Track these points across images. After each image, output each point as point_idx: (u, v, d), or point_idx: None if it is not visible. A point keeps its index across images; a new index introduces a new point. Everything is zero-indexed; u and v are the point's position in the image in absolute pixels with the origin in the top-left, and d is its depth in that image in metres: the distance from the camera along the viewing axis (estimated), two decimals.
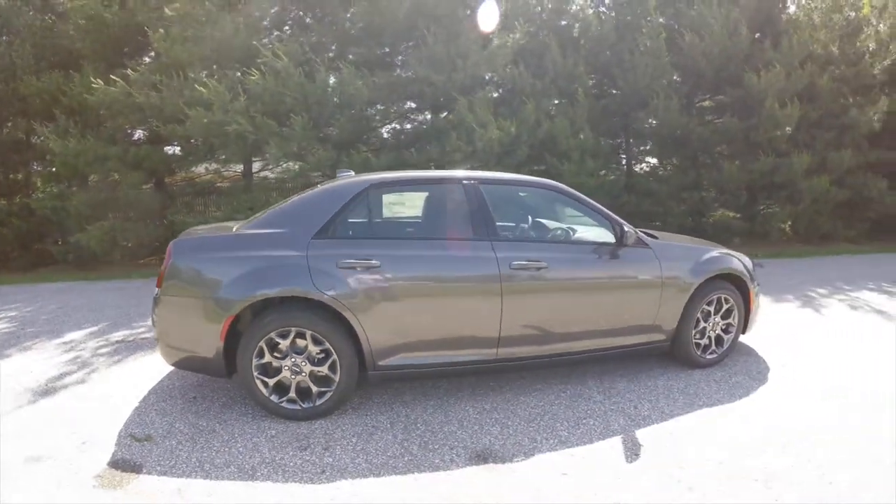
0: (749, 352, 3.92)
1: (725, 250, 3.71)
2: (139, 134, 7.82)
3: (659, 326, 3.36)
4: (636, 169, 9.88)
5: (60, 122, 6.60)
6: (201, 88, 5.82)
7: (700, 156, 9.18)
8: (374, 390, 3.13)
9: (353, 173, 3.40)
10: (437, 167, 7.20)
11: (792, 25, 8.21)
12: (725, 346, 3.64)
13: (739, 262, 3.66)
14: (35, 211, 6.73)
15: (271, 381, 2.74)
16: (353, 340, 2.70)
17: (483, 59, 6.89)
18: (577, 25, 8.61)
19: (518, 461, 2.41)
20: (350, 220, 2.89)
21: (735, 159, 8.60)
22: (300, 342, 2.70)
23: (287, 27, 8.03)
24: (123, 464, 2.45)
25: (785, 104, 7.77)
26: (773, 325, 4.57)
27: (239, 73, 6.22)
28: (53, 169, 6.85)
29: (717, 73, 8.42)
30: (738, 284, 3.59)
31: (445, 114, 7.62)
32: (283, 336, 2.69)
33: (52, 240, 7.25)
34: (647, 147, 9.50)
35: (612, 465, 2.38)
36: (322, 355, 2.71)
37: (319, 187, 3.05)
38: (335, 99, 6.42)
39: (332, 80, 6.43)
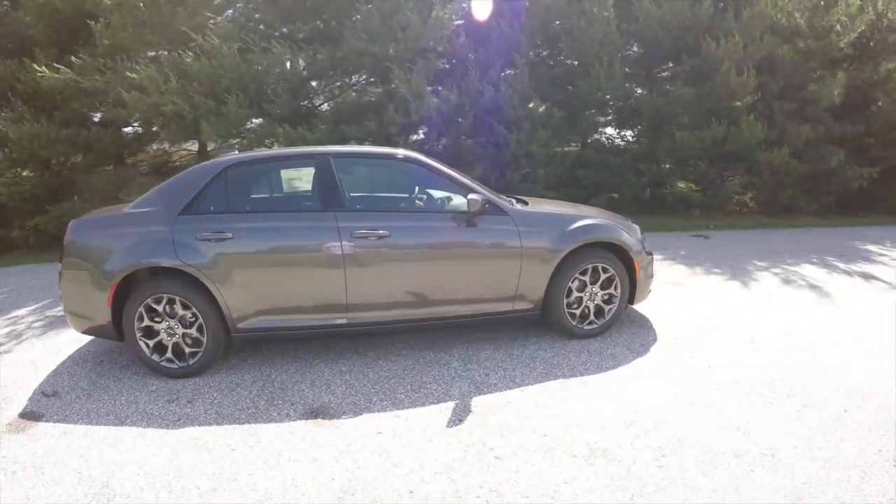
0: (644, 323, 4.00)
1: (604, 219, 3.76)
2: (100, 117, 8.29)
3: (523, 295, 3.48)
4: (593, 141, 10.10)
5: (16, 108, 7.13)
6: (133, 75, 6.25)
7: (658, 127, 9.39)
8: (249, 353, 3.64)
9: (236, 152, 3.83)
10: (375, 141, 7.61)
11: None
12: (607, 318, 3.71)
13: (619, 230, 3.69)
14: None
15: (152, 342, 3.29)
16: (216, 305, 3.21)
17: (422, 32, 7.17)
18: None
19: (345, 418, 2.75)
20: (210, 198, 3.31)
21: (693, 130, 8.82)
22: (173, 308, 3.21)
23: (239, 5, 8.39)
24: (30, 414, 3.04)
25: (742, 73, 7.93)
26: (688, 297, 4.70)
27: (178, 54, 6.60)
28: (14, 156, 7.35)
29: (676, 42, 8.60)
30: (620, 254, 3.66)
31: (381, 87, 7.96)
32: (158, 302, 3.22)
33: (17, 224, 7.78)
34: (606, 118, 9.70)
35: (431, 429, 2.60)
36: (193, 319, 3.23)
37: (188, 169, 3.51)
38: (270, 76, 6.79)
39: (265, 58, 6.78)
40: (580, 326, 3.67)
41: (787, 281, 5.18)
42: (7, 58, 7.13)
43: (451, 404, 2.86)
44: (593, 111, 9.43)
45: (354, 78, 8.65)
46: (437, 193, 3.67)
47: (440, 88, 7.83)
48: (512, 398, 2.91)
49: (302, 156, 3.50)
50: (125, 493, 2.24)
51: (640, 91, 9.75)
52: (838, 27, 8.51)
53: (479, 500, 2.07)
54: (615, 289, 3.69)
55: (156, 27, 6.65)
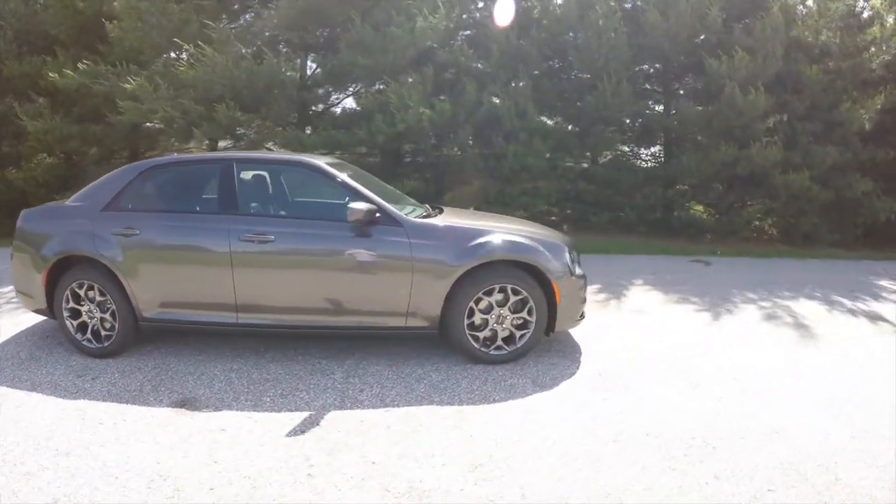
0: (571, 354, 3.91)
1: (520, 235, 3.66)
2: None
3: (417, 312, 3.50)
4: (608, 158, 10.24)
5: (36, 104, 8.22)
6: (125, 85, 7.13)
7: (672, 147, 9.45)
8: (167, 342, 4.12)
9: (175, 155, 4.42)
10: (369, 148, 8.16)
11: (782, 11, 8.22)
12: (519, 344, 3.61)
13: (534, 248, 3.56)
14: (12, 183, 8.44)
15: (76, 323, 3.90)
16: (125, 295, 3.76)
17: (408, 42, 7.68)
18: (538, 6, 9.09)
19: (204, 412, 3.07)
20: (128, 196, 3.85)
21: (708, 150, 8.83)
22: (92, 294, 3.83)
23: (250, 14, 9.26)
24: None
25: (750, 92, 7.93)
26: (644, 327, 4.56)
27: (174, 61, 7.44)
28: (33, 146, 8.48)
29: (688, 56, 8.67)
30: (538, 275, 3.55)
31: (366, 94, 8.52)
32: (81, 287, 3.83)
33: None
34: (619, 135, 9.83)
35: (269, 436, 2.80)
36: (109, 305, 3.83)
37: (116, 169, 4.12)
38: (260, 83, 7.51)
39: (257, 65, 7.50)
40: (485, 351, 3.61)
41: (770, 317, 4.98)
42: (32, 55, 8.24)
43: (305, 414, 3.03)
44: (603, 127, 9.60)
45: (351, 87, 9.28)
46: (340, 202, 3.76)
47: (435, 99, 8.25)
48: (368, 418, 2.99)
49: (210, 160, 3.99)
50: (3, 444, 2.80)
51: (657, 108, 9.84)
52: (872, 48, 8.31)
53: None
54: (529, 313, 3.58)
55: (164, 31, 7.52)
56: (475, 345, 3.60)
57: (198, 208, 3.81)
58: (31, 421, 3.06)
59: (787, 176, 8.35)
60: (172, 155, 4.16)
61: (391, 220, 3.55)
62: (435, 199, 8.76)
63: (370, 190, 3.91)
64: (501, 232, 3.67)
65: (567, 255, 3.71)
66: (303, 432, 2.87)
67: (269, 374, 3.60)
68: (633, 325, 4.66)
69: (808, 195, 8.47)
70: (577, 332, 4.31)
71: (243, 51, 7.61)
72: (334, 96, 9.48)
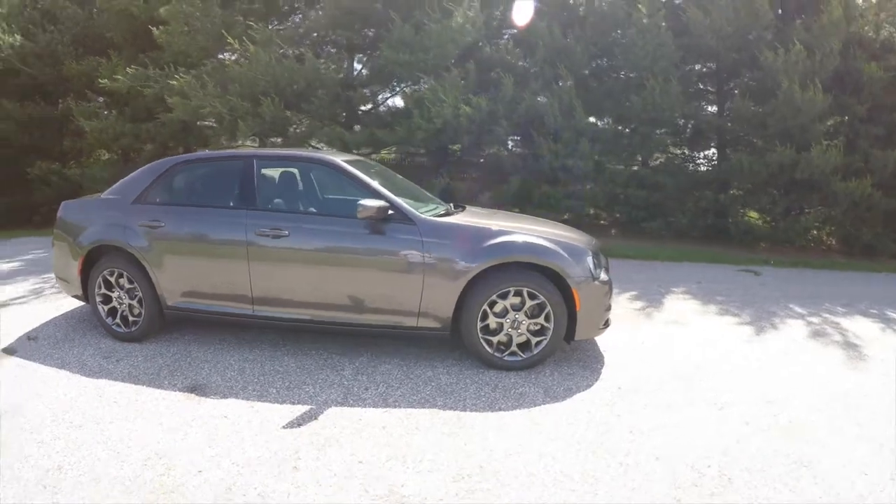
0: (593, 364, 3.76)
1: (540, 237, 3.54)
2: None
3: (429, 312, 3.48)
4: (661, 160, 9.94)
5: (92, 103, 8.82)
6: (173, 82, 7.53)
7: (725, 149, 9.07)
8: (192, 330, 4.33)
9: (203, 151, 4.64)
10: (411, 145, 8.27)
11: (841, 4, 7.75)
12: (535, 351, 3.50)
13: (553, 251, 3.44)
14: (70, 178, 9.06)
15: (107, 308, 4.15)
16: (151, 283, 3.97)
17: (447, 39, 7.73)
18: (583, 2, 8.95)
19: (211, 398, 3.20)
20: (156, 190, 4.08)
21: (763, 153, 8.43)
22: (122, 281, 4.07)
23: (298, 16, 9.60)
24: (8, 350, 4.03)
25: (808, 88, 7.50)
26: (678, 340, 4.37)
27: (221, 60, 7.81)
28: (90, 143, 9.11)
29: (739, 53, 8.31)
30: (557, 279, 3.44)
31: (402, 93, 8.63)
32: (112, 274, 4.08)
33: None
34: (669, 137, 9.53)
35: (267, 426, 2.88)
36: (137, 293, 4.05)
37: (147, 165, 4.36)
38: (301, 81, 7.77)
39: (298, 64, 7.76)
40: (498, 356, 3.52)
41: (817, 334, 4.62)
42: (89, 56, 8.83)
43: (305, 408, 3.09)
44: (652, 129, 9.33)
45: (396, 86, 9.43)
46: (356, 199, 3.69)
47: (471, 96, 8.26)
48: (366, 417, 3.00)
49: (232, 157, 4.13)
50: (26, 414, 3.04)
51: (710, 109, 9.48)
52: None
53: (244, 499, 2.32)
54: (546, 319, 3.46)
55: (209, 35, 7.91)
56: (488, 349, 3.53)
57: (219, 203, 3.94)
58: (53, 396, 3.29)
59: (848, 182, 7.84)
60: (202, 152, 4.33)
61: (404, 218, 3.54)
62: (474, 199, 8.82)
63: (391, 188, 3.96)
64: (520, 233, 3.56)
65: (590, 259, 3.54)
66: (299, 426, 2.92)
67: (281, 367, 3.70)
68: (665, 337, 4.45)
69: (870, 203, 7.92)
70: (603, 342, 4.20)
71: (286, 51, 7.85)
72: (381, 95, 9.65)
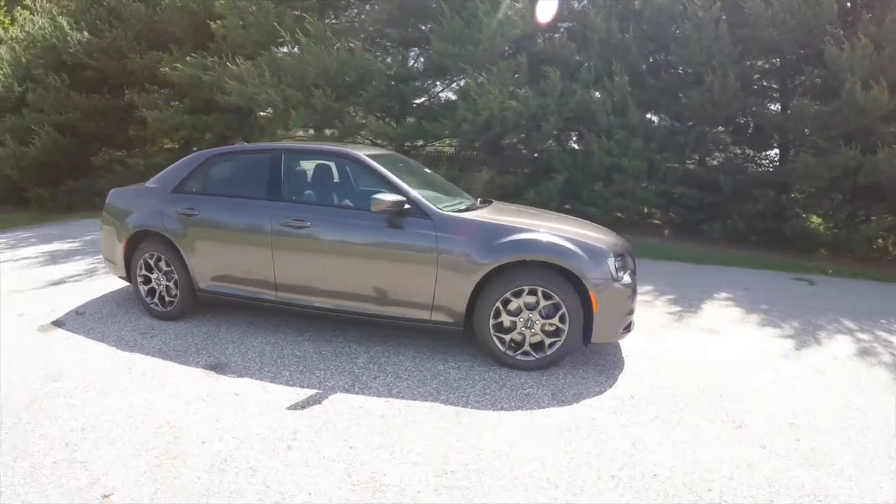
0: (611, 370, 3.68)
1: (558, 234, 3.50)
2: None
3: (441, 307, 3.55)
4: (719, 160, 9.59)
5: (153, 94, 9.44)
6: (233, 67, 7.93)
7: (787, 149, 8.65)
8: (222, 312, 4.59)
9: (244, 143, 4.89)
10: (458, 137, 8.34)
11: None
12: (548, 352, 3.47)
13: (568, 250, 3.40)
14: (133, 167, 9.73)
15: (146, 288, 4.49)
16: (185, 267, 4.25)
17: (497, 31, 7.75)
18: None
19: (228, 376, 3.41)
20: (193, 181, 4.36)
21: (826, 154, 7.99)
22: (160, 264, 4.39)
23: (354, 10, 9.90)
24: (57, 322, 4.44)
25: (871, 87, 7.03)
26: (709, 350, 4.16)
27: (274, 50, 8.18)
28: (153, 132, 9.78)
29: (805, 48, 7.89)
30: (574, 279, 3.39)
31: (455, 86, 8.70)
32: (151, 257, 4.40)
33: None
34: (726, 136, 9.16)
35: (273, 407, 3.05)
36: (174, 275, 4.36)
37: (186, 156, 4.65)
38: (351, 73, 8.01)
39: (350, 56, 8.01)
40: (511, 355, 3.52)
41: (864, 352, 4.28)
42: (151, 51, 9.44)
43: (312, 392, 3.23)
44: (710, 127, 9.01)
45: (448, 79, 9.55)
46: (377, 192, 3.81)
47: (518, 90, 8.24)
48: (368, 405, 3.09)
49: (263, 150, 4.31)
50: (63, 381, 3.37)
51: (773, 107, 9.05)
52: None
53: (237, 475, 2.47)
54: (561, 320, 3.43)
55: (262, 29, 8.30)
56: (501, 347, 3.53)
57: (248, 193, 4.15)
58: (90, 365, 3.62)
59: None
60: (236, 145, 4.59)
61: (420, 212, 3.61)
62: (518, 195, 8.81)
63: (417, 183, 4.11)
64: (538, 231, 3.53)
65: (610, 260, 3.46)
66: (302, 408, 3.07)
67: (299, 351, 3.88)
68: (694, 346, 4.25)
69: None
70: (627, 347, 4.11)
71: (340, 44, 8.12)
72: (434, 89, 9.80)
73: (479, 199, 4.55)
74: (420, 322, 3.67)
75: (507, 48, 8.48)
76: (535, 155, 9.82)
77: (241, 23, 8.28)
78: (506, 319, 3.50)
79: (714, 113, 8.21)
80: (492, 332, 3.51)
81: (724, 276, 6.95)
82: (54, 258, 6.82)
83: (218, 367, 3.62)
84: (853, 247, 7.85)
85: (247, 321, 4.45)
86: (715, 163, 9.46)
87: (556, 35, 9.10)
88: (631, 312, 3.62)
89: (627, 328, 3.64)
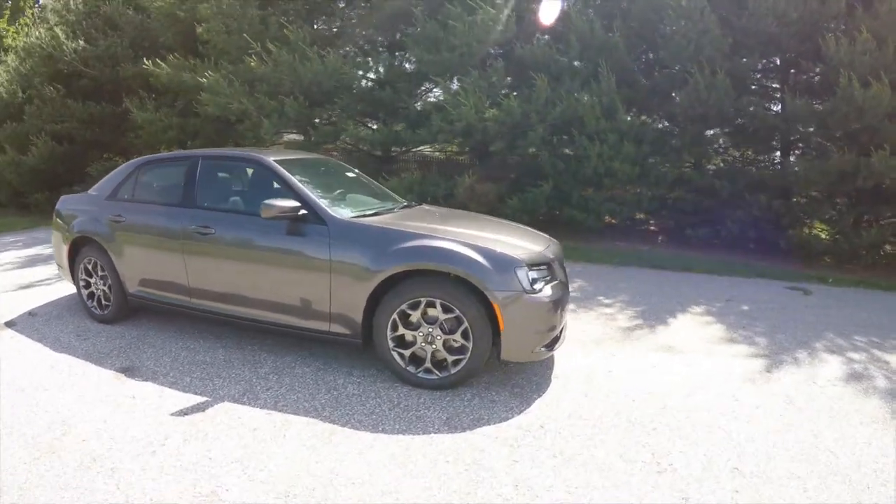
0: (529, 395, 3.47)
1: (462, 241, 3.38)
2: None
3: (338, 317, 3.52)
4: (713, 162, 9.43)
5: (144, 100, 9.97)
6: (202, 79, 8.32)
7: (788, 151, 8.44)
8: (157, 317, 4.83)
9: (165, 153, 5.13)
10: (430, 143, 8.49)
11: None
12: (452, 371, 3.35)
13: (467, 257, 3.25)
14: None
15: (87, 292, 4.80)
16: (116, 272, 4.54)
17: (472, 37, 7.86)
18: None
19: (136, 379, 3.63)
20: (124, 188, 4.63)
21: (825, 156, 7.77)
22: (97, 269, 4.69)
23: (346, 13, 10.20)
24: (9, 324, 4.78)
25: (870, 84, 6.82)
26: (655, 374, 3.85)
27: (247, 59, 8.51)
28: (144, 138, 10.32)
29: (803, 42, 7.69)
30: (479, 292, 3.23)
31: (436, 91, 8.82)
32: (90, 263, 4.71)
33: None
34: (712, 135, 9.01)
35: (161, 410, 3.23)
36: (108, 280, 4.67)
37: (124, 164, 4.95)
38: (325, 81, 8.27)
39: (321, 64, 8.27)
40: (412, 372, 3.42)
41: (853, 376, 3.89)
42: (145, 58, 9.95)
43: (202, 399, 3.36)
44: (702, 127, 8.86)
45: (425, 85, 9.71)
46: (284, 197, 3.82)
47: (502, 98, 8.31)
48: (247, 417, 3.17)
49: (182, 157, 4.52)
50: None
51: (772, 107, 8.84)
52: None
53: (97, 474, 2.71)
54: (465, 336, 3.28)
55: (249, 33, 8.65)
56: (401, 363, 3.43)
57: (166, 200, 4.37)
58: (19, 364, 3.97)
59: None
60: (162, 153, 4.87)
61: (317, 218, 3.60)
62: (501, 201, 8.89)
63: (340, 188, 4.30)
64: (438, 237, 3.39)
65: (522, 271, 3.25)
66: (185, 415, 3.21)
67: (210, 358, 4.04)
68: (643, 367, 3.97)
69: None
70: (563, 366, 3.95)
71: (319, 51, 8.37)
72: (420, 93, 9.96)
73: (405, 204, 4.64)
74: (320, 333, 3.64)
75: (490, 52, 8.53)
76: (522, 160, 9.86)
77: (224, 28, 8.66)
78: (407, 333, 3.40)
79: (703, 113, 8.07)
80: (390, 346, 3.42)
81: (708, 285, 6.75)
82: (33, 262, 7.30)
83: (129, 371, 3.84)
84: (858, 254, 7.59)
85: (177, 326, 4.67)
86: (712, 166, 9.27)
87: (542, 37, 9.11)
88: (553, 328, 3.38)
89: (551, 345, 3.42)
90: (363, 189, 4.78)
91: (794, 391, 3.65)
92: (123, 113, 10.49)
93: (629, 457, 2.83)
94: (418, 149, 11.28)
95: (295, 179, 3.87)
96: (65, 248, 4.87)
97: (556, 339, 3.47)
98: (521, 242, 3.70)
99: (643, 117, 9.19)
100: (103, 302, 4.72)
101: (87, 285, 4.80)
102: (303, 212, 3.63)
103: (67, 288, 5.86)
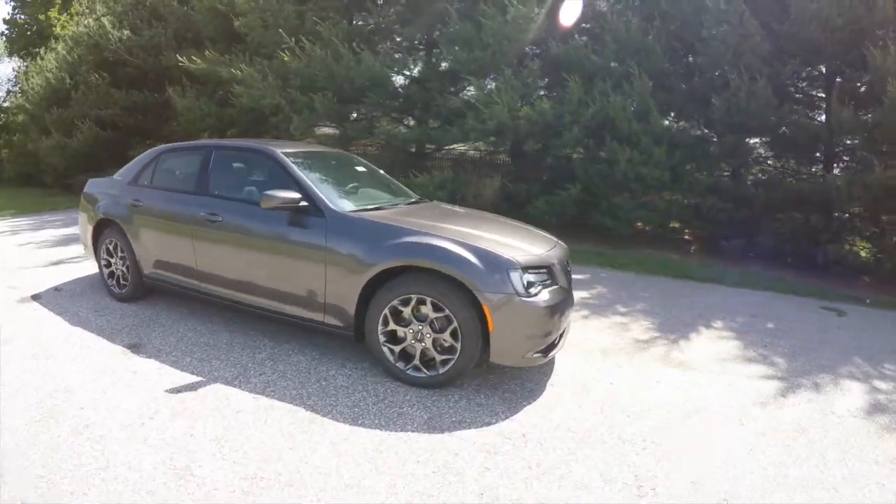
0: (518, 402, 3.39)
1: (451, 240, 3.35)
2: None
3: (332, 309, 3.58)
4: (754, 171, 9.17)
5: (185, 88, 10.40)
6: (235, 71, 8.59)
7: (832, 163, 8.13)
8: (171, 298, 5.04)
9: (185, 142, 5.32)
10: (462, 142, 8.54)
11: None
12: (441, 371, 3.34)
13: (458, 257, 3.23)
14: None
15: (107, 271, 5.05)
16: (133, 253, 4.76)
17: (503, 35, 7.87)
18: None
19: (140, 356, 3.81)
20: (145, 174, 4.85)
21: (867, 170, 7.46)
22: (117, 250, 4.95)
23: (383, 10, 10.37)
24: (36, 297, 5.11)
25: None
26: (657, 391, 3.68)
27: (281, 54, 8.76)
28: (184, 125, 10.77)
29: (849, 50, 7.41)
30: (468, 290, 3.20)
31: (464, 94, 8.86)
32: (110, 244, 4.97)
33: None
34: (752, 144, 8.75)
35: (157, 387, 3.39)
36: (127, 261, 4.91)
37: (145, 151, 5.20)
38: (358, 79, 8.43)
39: (356, 62, 8.43)
40: (402, 368, 3.45)
41: (878, 407, 3.64)
42: (187, 49, 10.36)
43: (196, 379, 3.50)
44: (742, 136, 8.62)
45: (460, 84, 9.76)
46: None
47: (535, 98, 8.31)
48: (234, 399, 3.27)
49: (198, 147, 4.70)
50: (12, 344, 4.02)
51: (817, 116, 8.54)
52: None
53: (86, 440, 2.91)
54: (454, 336, 3.27)
55: (284, 28, 8.91)
56: (391, 358, 3.46)
57: (181, 187, 4.57)
58: (38, 335, 4.24)
59: None
60: (182, 142, 5.08)
61: (317, 210, 3.67)
62: (529, 203, 8.89)
63: (349, 182, 4.43)
64: (433, 234, 3.38)
65: (516, 273, 3.19)
66: (178, 392, 3.35)
67: (213, 340, 4.19)
68: (647, 382, 3.82)
69: None
70: (562, 374, 3.85)
71: (355, 48, 8.54)
72: (454, 91, 10.03)
73: (414, 200, 4.70)
74: (315, 323, 3.71)
75: (527, 52, 8.51)
76: (554, 163, 9.81)
77: (261, 22, 8.94)
78: (398, 330, 3.42)
79: (742, 121, 7.86)
80: (381, 340, 3.45)
81: (737, 299, 6.49)
82: (68, 241, 7.72)
83: (135, 347, 4.04)
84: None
85: (188, 309, 4.86)
86: (751, 176, 9.01)
87: (580, 37, 9.05)
88: (549, 334, 3.31)
89: (546, 351, 3.34)
90: (377, 184, 4.87)
91: (806, 420, 3.40)
92: (166, 101, 10.96)
93: (610, 476, 2.70)
94: (452, 147, 11.36)
95: (299, 172, 3.95)
96: (90, 229, 5.14)
97: (552, 346, 3.40)
98: (521, 244, 3.62)
99: (681, 123, 9.01)
100: (121, 281, 4.96)
101: (108, 265, 5.05)
102: (303, 203, 3.70)
103: (93, 267, 6.17)
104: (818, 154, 8.42)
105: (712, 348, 4.64)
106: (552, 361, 4.04)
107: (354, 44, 8.60)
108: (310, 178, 3.95)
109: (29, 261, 6.49)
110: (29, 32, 18.75)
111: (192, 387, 3.48)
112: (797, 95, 8.57)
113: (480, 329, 3.22)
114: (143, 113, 11.63)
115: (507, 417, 3.20)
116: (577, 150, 9.28)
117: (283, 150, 4.22)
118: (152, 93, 11.45)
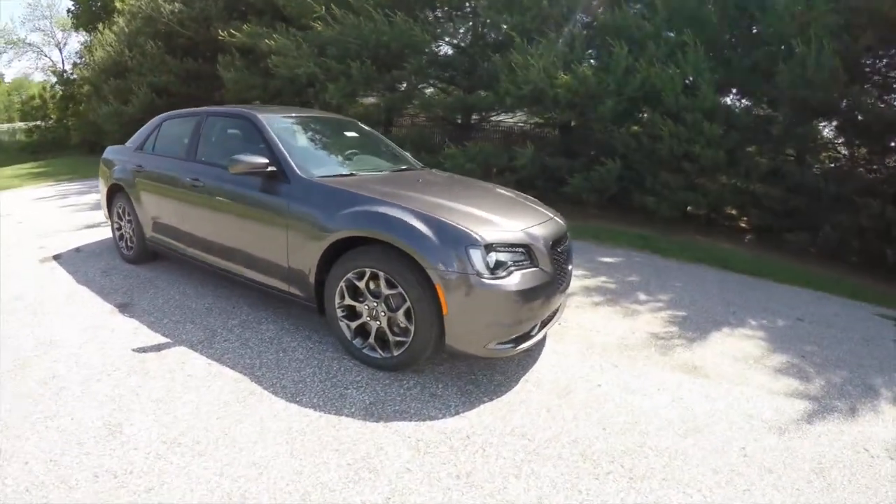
0: (480, 396, 3.18)
1: (412, 210, 3.14)
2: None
3: (294, 278, 3.56)
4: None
5: (232, 59, 10.84)
6: (270, 42, 8.83)
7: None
8: (175, 265, 5.23)
9: (184, 109, 5.52)
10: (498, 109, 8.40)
11: None
12: (395, 353, 3.20)
13: (409, 228, 3.02)
14: None
15: (118, 234, 5.45)
16: (137, 217, 5.09)
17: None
18: None
19: (125, 315, 4.08)
20: (149, 141, 5.13)
21: None
22: (126, 214, 5.31)
23: None
24: (56, 256, 5.60)
25: None
26: (652, 398, 3.29)
27: (314, 23, 8.92)
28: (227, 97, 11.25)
29: None
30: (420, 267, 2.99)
31: (496, 57, 8.66)
32: (120, 208, 5.32)
33: None
34: (820, 126, 8.04)
35: (128, 346, 3.61)
36: (134, 224, 5.26)
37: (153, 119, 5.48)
38: (393, 44, 8.47)
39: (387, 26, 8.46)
40: (358, 346, 3.36)
41: None
42: (238, 21, 10.75)
43: (165, 341, 3.70)
44: (809, 116, 7.97)
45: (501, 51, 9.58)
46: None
47: (575, 65, 8.03)
48: (189, 364, 3.39)
49: (193, 113, 4.85)
50: (24, 298, 4.44)
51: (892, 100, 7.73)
52: None
53: (47, 389, 3.18)
54: (407, 316, 3.08)
55: None
56: (347, 335, 3.38)
57: (174, 153, 4.78)
58: (46, 291, 4.66)
59: None
60: (183, 109, 5.31)
61: (284, 176, 3.65)
62: (564, 179, 8.68)
63: (341, 149, 4.51)
64: (390, 203, 3.21)
65: (476, 250, 2.92)
66: (142, 352, 3.56)
67: (196, 305, 4.38)
68: (645, 389, 3.42)
69: None
70: (544, 369, 3.58)
71: (378, 15, 8.60)
72: (485, 60, 9.90)
73: (404, 167, 4.64)
74: (282, 293, 3.72)
75: (576, 19, 8.24)
76: (604, 136, 9.44)
77: None
78: (356, 305, 3.31)
79: (807, 97, 7.25)
80: (339, 315, 3.38)
81: (783, 297, 5.87)
82: None
83: (124, 307, 4.33)
84: None
85: (185, 273, 5.14)
86: (818, 164, 8.31)
87: (635, 5, 8.64)
88: (519, 323, 3.03)
89: (516, 342, 3.08)
90: (377, 151, 4.87)
91: (830, 456, 2.83)
92: (217, 71, 11.45)
93: (550, 502, 2.33)
94: (500, 119, 11.21)
95: (274, 136, 3.92)
96: (105, 194, 5.52)
97: (524, 336, 3.11)
98: (499, 219, 3.25)
99: (743, 101, 8.43)
100: (129, 244, 5.32)
101: (119, 228, 5.44)
102: (271, 168, 3.68)
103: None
104: (893, 143, 7.62)
105: (736, 353, 4.11)
106: (536, 353, 3.76)
107: (396, 11, 8.58)
108: (289, 144, 3.96)
109: (66, 223, 7.08)
110: (94, 8, 20.09)
111: (157, 347, 3.69)
112: (873, 77, 7.76)
113: (436, 311, 2.98)
114: (195, 81, 12.26)
115: (457, 414, 2.95)
116: (619, 123, 8.89)
117: (269, 115, 4.26)
118: (205, 63, 12.02)
